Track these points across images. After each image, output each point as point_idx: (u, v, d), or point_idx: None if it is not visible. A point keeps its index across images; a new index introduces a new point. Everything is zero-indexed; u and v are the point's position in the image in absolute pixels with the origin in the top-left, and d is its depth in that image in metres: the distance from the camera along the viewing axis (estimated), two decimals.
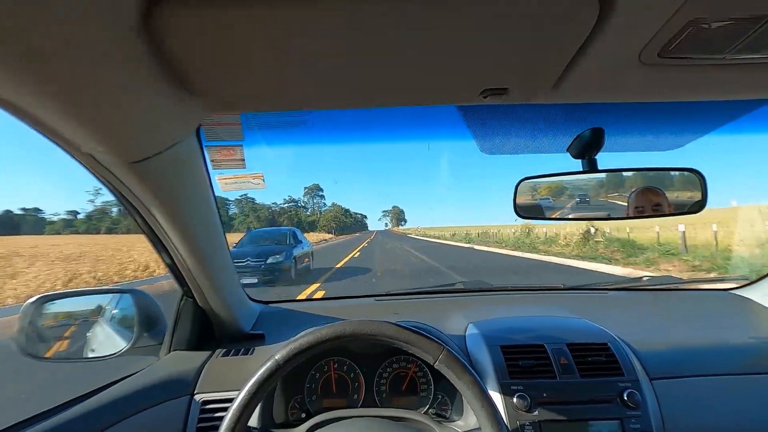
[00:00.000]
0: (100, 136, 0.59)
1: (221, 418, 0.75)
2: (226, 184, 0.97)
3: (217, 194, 1.03)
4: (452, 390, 1.19)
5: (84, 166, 0.70)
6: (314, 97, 0.69)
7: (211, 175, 0.97)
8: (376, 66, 0.59)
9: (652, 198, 0.98)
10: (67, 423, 0.84)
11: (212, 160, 0.90)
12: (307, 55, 0.55)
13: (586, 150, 0.95)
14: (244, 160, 0.91)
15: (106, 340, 1.31)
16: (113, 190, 0.79)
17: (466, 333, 1.28)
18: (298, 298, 1.80)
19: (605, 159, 0.95)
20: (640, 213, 0.98)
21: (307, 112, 0.84)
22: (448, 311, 1.46)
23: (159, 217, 0.86)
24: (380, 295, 1.74)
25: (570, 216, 0.99)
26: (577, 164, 0.96)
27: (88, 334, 1.35)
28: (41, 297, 1.16)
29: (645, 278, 1.79)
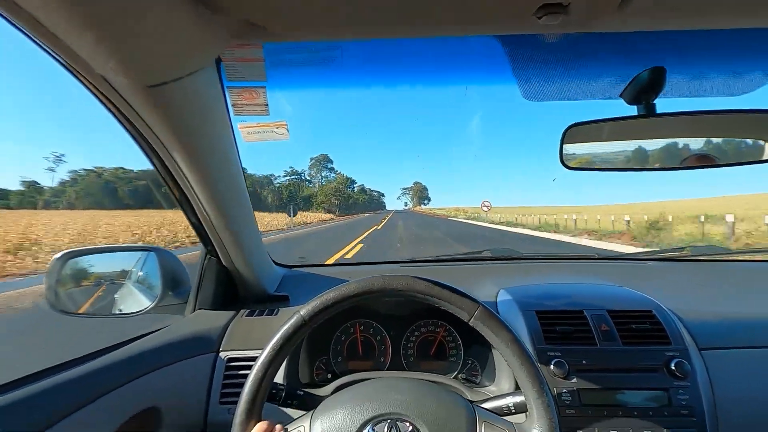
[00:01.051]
0: (115, 53, 0.54)
1: (246, 376, 0.72)
2: (248, 133, 0.91)
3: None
4: (483, 355, 1.14)
5: (95, 92, 0.65)
6: (346, 22, 0.62)
7: (233, 123, 0.92)
8: None
9: (703, 161, 0.88)
10: (97, 371, 0.84)
11: (234, 105, 0.84)
12: None
13: (644, 93, 0.85)
14: (267, 105, 0.85)
15: (133, 298, 1.32)
16: (126, 122, 0.74)
17: (498, 299, 1.22)
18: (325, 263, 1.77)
19: (664, 107, 0.85)
20: (696, 163, 0.88)
21: (337, 47, 0.77)
22: (477, 278, 1.40)
23: (177, 156, 0.81)
24: (405, 261, 1.69)
25: (621, 166, 0.90)
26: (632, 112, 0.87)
27: (115, 292, 1.35)
28: (66, 253, 1.15)
29: (688, 248, 1.68)
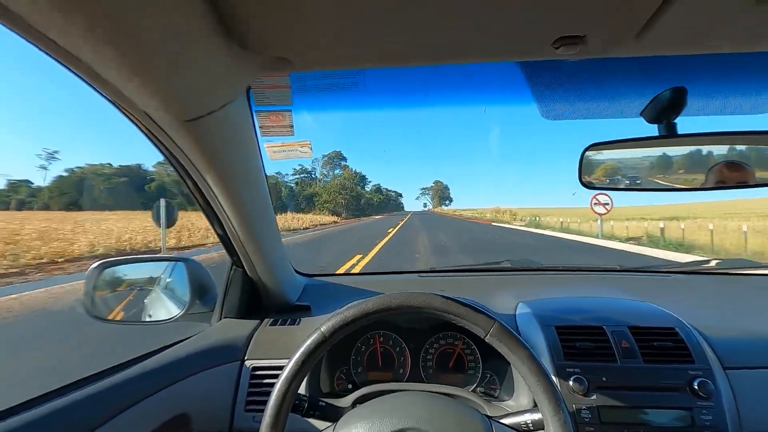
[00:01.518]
0: (156, 92, 0.58)
1: (270, 384, 0.75)
2: (274, 152, 0.96)
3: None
4: (501, 369, 1.15)
5: (138, 125, 0.71)
6: (371, 53, 0.65)
7: (260, 143, 0.96)
8: (439, 15, 0.54)
9: (734, 174, 0.87)
10: (128, 381, 0.88)
11: (261, 127, 0.89)
12: (365, 5, 0.51)
13: (665, 113, 0.85)
14: (292, 126, 0.89)
15: (162, 306, 1.38)
16: (165, 152, 0.79)
17: (516, 312, 1.22)
18: (340, 272, 1.79)
19: (685, 125, 0.85)
20: (721, 184, 0.87)
21: (358, 73, 0.80)
22: (496, 290, 1.41)
23: (209, 179, 0.86)
24: (424, 271, 1.71)
25: (641, 187, 0.89)
26: (651, 131, 0.87)
27: (145, 300, 1.42)
28: (102, 263, 1.22)
29: (714, 261, 1.63)
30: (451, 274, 1.73)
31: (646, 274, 1.65)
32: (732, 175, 0.87)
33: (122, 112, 0.67)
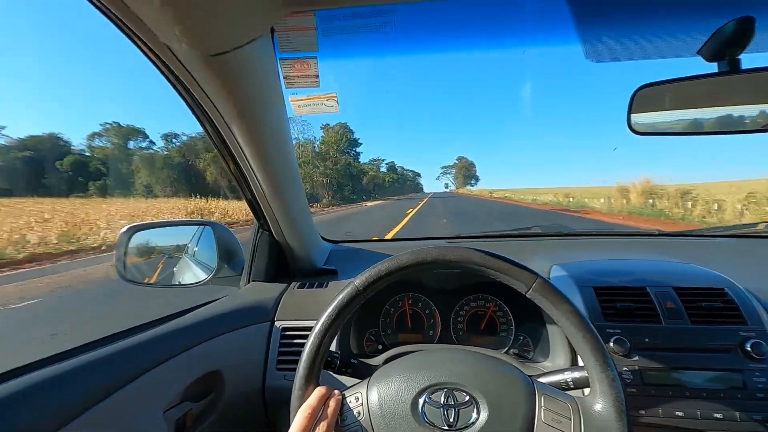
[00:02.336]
0: (180, 21, 0.55)
1: (301, 344, 0.74)
2: (299, 106, 0.92)
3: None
4: (535, 331, 1.12)
5: (158, 60, 0.67)
6: None
7: (285, 98, 0.93)
8: None
9: None
10: (167, 335, 0.90)
11: (285, 78, 0.85)
12: None
13: (728, 48, 0.76)
14: (318, 76, 0.85)
15: (191, 270, 1.39)
16: (185, 92, 0.77)
17: (551, 275, 1.18)
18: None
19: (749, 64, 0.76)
20: None
21: (388, 11, 0.75)
22: (528, 254, 1.36)
23: (235, 128, 0.84)
24: (451, 237, 1.67)
25: (697, 130, 0.82)
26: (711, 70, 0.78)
27: (175, 264, 1.44)
28: (132, 227, 1.23)
29: (763, 224, 1.53)
30: (478, 239, 1.68)
31: (688, 238, 1.56)
32: None
33: (141, 47, 0.64)
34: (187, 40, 0.59)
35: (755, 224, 1.58)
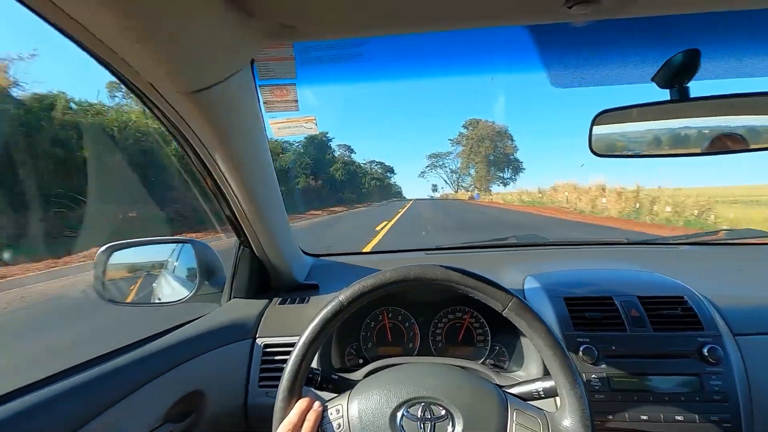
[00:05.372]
0: (161, 61, 0.57)
1: (283, 361, 0.76)
2: (279, 128, 0.95)
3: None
4: (510, 341, 1.16)
5: (143, 97, 0.69)
6: (376, 19, 0.63)
7: (264, 120, 0.95)
8: None
9: (730, 144, 0.86)
10: (146, 357, 0.90)
11: (266, 103, 0.88)
12: None
13: (677, 77, 0.83)
14: (297, 101, 0.88)
15: (171, 288, 1.38)
16: (170, 127, 0.78)
17: (525, 286, 1.22)
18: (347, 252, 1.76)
19: (699, 91, 0.83)
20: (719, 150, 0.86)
21: (363, 42, 0.79)
22: (503, 265, 1.41)
23: (217, 155, 0.86)
24: (430, 249, 1.71)
25: (653, 153, 0.88)
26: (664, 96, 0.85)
27: (154, 283, 1.43)
28: (110, 246, 1.22)
29: (722, 231, 1.63)
30: (457, 251, 1.73)
31: (653, 247, 1.65)
32: (729, 144, 0.86)
33: (127, 84, 0.66)
34: (169, 78, 0.61)
35: (716, 232, 1.68)
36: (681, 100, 0.81)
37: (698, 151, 0.84)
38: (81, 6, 0.46)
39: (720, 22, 0.83)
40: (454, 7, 0.61)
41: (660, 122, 0.86)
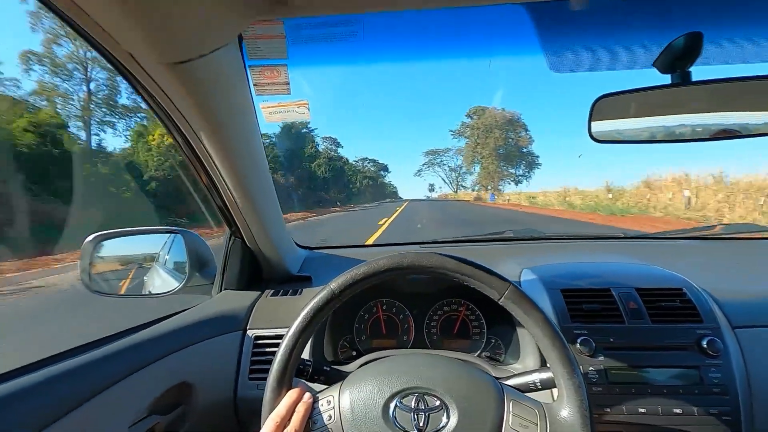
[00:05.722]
0: (142, 28, 0.54)
1: (273, 353, 0.73)
2: (270, 113, 0.92)
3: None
4: (506, 333, 1.14)
5: (123, 69, 0.66)
6: None
7: (255, 105, 0.92)
8: None
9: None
10: (133, 347, 0.87)
11: (256, 85, 0.85)
12: None
13: (679, 61, 0.81)
14: (288, 83, 0.85)
15: (161, 279, 1.36)
16: (152, 102, 0.75)
17: (521, 278, 1.21)
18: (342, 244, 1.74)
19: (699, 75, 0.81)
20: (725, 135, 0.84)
21: (357, 21, 0.76)
22: (500, 258, 1.39)
23: (203, 135, 0.83)
24: (425, 242, 1.69)
25: (652, 138, 0.86)
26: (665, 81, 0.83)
27: (145, 274, 1.40)
28: (97, 236, 1.19)
29: (720, 226, 1.62)
30: (453, 244, 1.71)
31: (651, 240, 1.63)
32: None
33: (104, 54, 0.63)
34: (150, 47, 0.58)
35: (713, 226, 1.67)
36: (682, 84, 0.79)
37: (703, 136, 0.82)
38: None
39: (722, 5, 0.81)
40: None
41: (661, 108, 0.84)
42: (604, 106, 0.84)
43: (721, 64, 0.89)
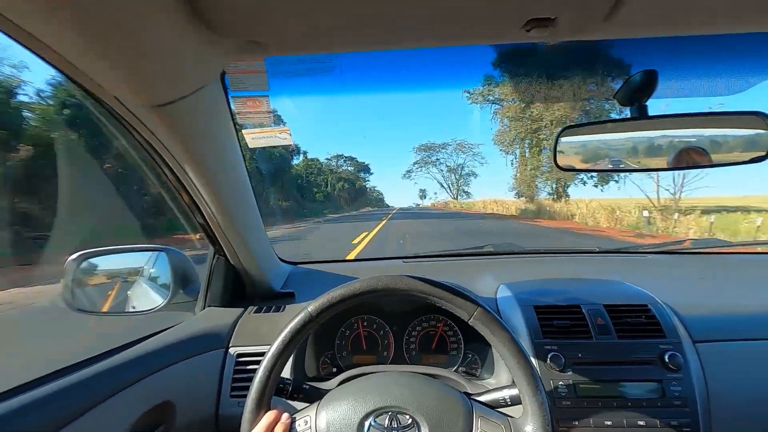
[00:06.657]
0: (124, 76, 0.58)
1: (254, 370, 0.76)
2: (253, 139, 0.95)
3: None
4: (482, 349, 1.18)
5: (109, 110, 0.69)
6: (344, 37, 0.64)
7: (238, 129, 0.95)
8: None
9: (695, 158, 0.90)
10: (114, 369, 0.88)
11: (239, 113, 0.88)
12: None
13: (636, 95, 0.87)
14: (270, 113, 0.89)
15: (145, 296, 1.36)
16: (139, 138, 0.78)
17: (498, 295, 1.25)
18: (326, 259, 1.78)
19: (656, 108, 0.87)
20: (684, 164, 0.90)
21: (335, 57, 0.80)
22: (478, 273, 1.44)
23: (187, 167, 0.85)
24: (408, 257, 1.73)
25: (615, 168, 0.92)
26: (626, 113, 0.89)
27: (128, 291, 1.41)
28: (81, 254, 1.20)
29: (688, 240, 1.69)
30: (434, 259, 1.75)
31: (623, 255, 1.70)
32: (694, 158, 0.90)
33: (93, 97, 0.66)
34: (130, 91, 0.61)
35: (682, 241, 1.74)
36: (639, 118, 0.85)
37: (664, 165, 0.88)
38: (42, 24, 0.46)
39: (676, 44, 0.87)
40: (419, 28, 0.63)
41: (623, 136, 0.90)
42: (569, 135, 0.90)
43: (676, 98, 0.95)
